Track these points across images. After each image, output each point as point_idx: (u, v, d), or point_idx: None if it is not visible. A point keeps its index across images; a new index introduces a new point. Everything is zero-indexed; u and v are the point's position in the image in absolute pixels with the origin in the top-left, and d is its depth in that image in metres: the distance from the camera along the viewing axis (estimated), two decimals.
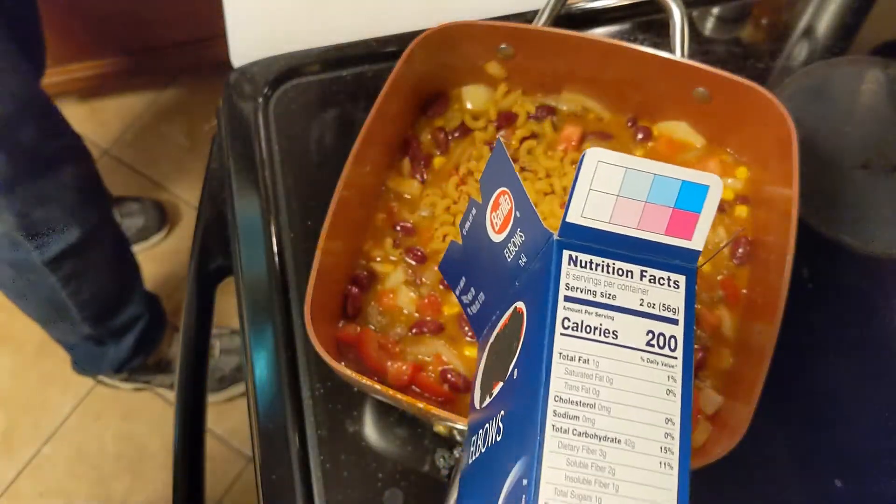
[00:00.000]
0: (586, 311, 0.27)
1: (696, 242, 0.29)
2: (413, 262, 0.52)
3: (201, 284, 0.63)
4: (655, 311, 0.28)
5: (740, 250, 0.53)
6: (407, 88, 0.56)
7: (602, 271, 0.28)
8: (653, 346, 0.27)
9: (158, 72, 1.56)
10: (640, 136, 0.58)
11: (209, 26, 1.07)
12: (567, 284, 0.28)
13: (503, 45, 0.57)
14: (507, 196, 0.33)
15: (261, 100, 0.63)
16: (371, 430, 0.50)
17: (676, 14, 0.55)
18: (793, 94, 0.64)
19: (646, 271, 0.28)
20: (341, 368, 0.44)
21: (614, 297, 0.28)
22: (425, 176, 0.56)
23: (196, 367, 0.60)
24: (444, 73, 0.58)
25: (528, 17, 0.64)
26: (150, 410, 1.30)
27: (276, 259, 0.56)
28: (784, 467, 0.48)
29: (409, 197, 0.55)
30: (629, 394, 0.26)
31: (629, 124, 0.59)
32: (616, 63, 0.56)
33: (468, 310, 0.38)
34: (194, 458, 0.57)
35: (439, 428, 0.44)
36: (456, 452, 0.48)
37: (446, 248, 0.43)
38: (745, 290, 0.51)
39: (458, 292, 0.39)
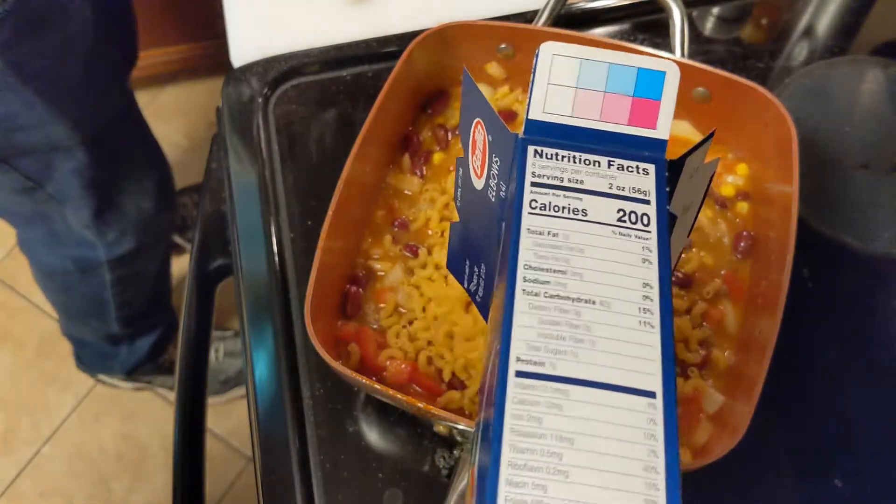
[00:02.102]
0: (553, 194, 0.27)
1: (661, 131, 0.28)
2: (411, 257, 0.52)
3: (201, 284, 0.63)
4: (625, 193, 0.27)
5: (742, 244, 0.53)
6: (407, 88, 0.56)
7: (568, 161, 0.28)
8: (624, 221, 0.27)
9: (158, 72, 1.56)
10: None
11: (209, 26, 1.07)
12: (533, 173, 0.28)
13: (503, 45, 0.57)
14: (480, 127, 0.33)
15: (261, 100, 0.63)
16: (371, 430, 0.50)
17: (676, 14, 0.55)
18: (793, 94, 0.64)
19: (613, 161, 0.28)
20: (341, 368, 0.44)
21: (582, 182, 0.27)
22: (425, 172, 0.56)
23: (196, 367, 0.60)
24: (444, 72, 0.58)
25: (528, 17, 0.64)
26: (150, 410, 1.30)
27: (276, 259, 0.56)
28: (784, 467, 0.48)
29: (408, 193, 0.55)
30: (602, 261, 0.26)
31: None
32: None
33: (476, 298, 0.38)
34: (194, 458, 0.57)
35: (439, 428, 0.44)
36: (456, 452, 0.48)
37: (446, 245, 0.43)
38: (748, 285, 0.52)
39: (465, 284, 0.38)
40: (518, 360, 0.23)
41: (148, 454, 1.26)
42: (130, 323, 1.14)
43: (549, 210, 0.27)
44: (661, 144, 0.28)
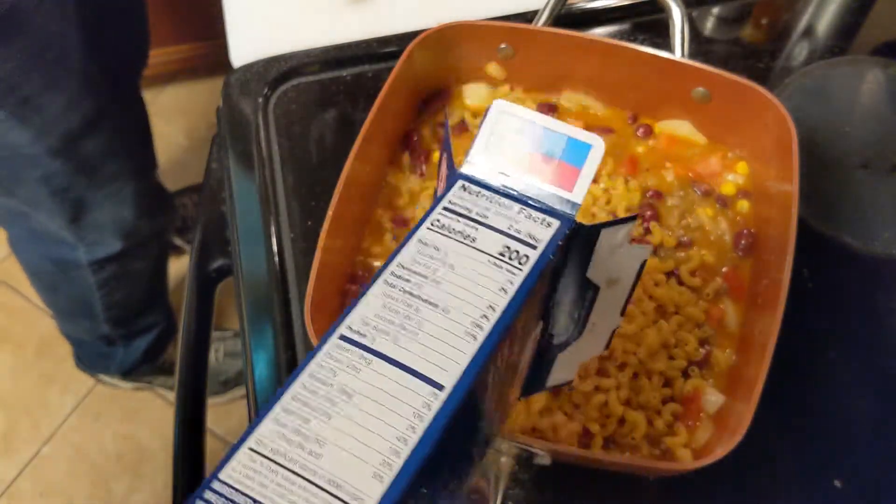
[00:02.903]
0: (456, 220, 0.30)
1: (576, 195, 0.31)
2: None
3: (201, 284, 0.63)
4: (519, 236, 0.30)
5: (743, 242, 0.53)
6: (407, 87, 0.56)
7: (486, 200, 0.31)
8: (503, 255, 0.29)
9: (158, 72, 1.56)
10: (640, 131, 0.58)
11: (209, 26, 1.07)
12: (450, 201, 0.31)
13: (503, 45, 0.57)
14: (444, 160, 0.35)
15: (261, 100, 0.63)
16: None
17: (676, 14, 0.55)
18: (793, 94, 0.64)
19: (524, 209, 0.31)
20: None
21: (486, 217, 0.30)
22: (425, 171, 0.56)
23: (196, 367, 0.60)
24: (444, 72, 0.59)
25: (528, 17, 0.64)
26: (150, 410, 1.30)
27: (276, 259, 0.56)
28: (784, 467, 0.48)
29: (408, 191, 0.55)
30: (465, 279, 0.28)
31: (629, 121, 0.59)
32: (616, 63, 0.56)
33: None
34: (194, 458, 0.57)
35: None
36: None
37: None
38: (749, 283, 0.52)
39: None
40: (348, 327, 0.27)
41: (148, 454, 1.26)
42: (122, 324, 1.13)
43: (445, 230, 0.30)
44: (573, 206, 0.31)
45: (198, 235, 0.65)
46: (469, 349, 0.26)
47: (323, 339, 0.27)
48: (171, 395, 1.07)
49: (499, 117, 0.32)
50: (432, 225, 0.30)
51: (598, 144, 0.31)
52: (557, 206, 0.31)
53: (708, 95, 0.54)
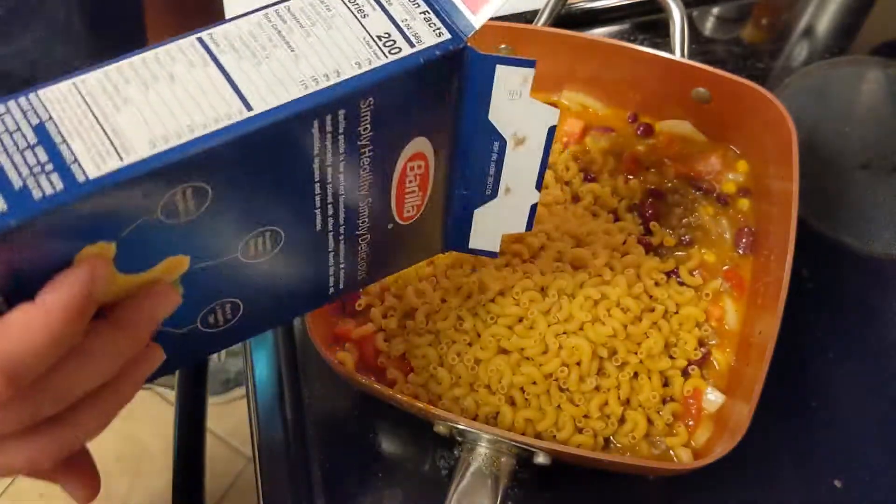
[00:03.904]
0: None
1: (478, 18, 0.32)
2: None
3: None
4: (405, 31, 0.31)
5: (744, 240, 0.53)
6: None
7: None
8: (380, 39, 0.31)
9: None
10: (640, 130, 0.58)
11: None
12: None
13: (503, 46, 0.57)
14: None
15: None
16: (371, 430, 0.50)
17: (676, 14, 0.56)
18: (793, 94, 0.64)
19: (428, 12, 0.32)
20: (341, 367, 0.44)
21: (391, 4, 0.31)
22: None
23: (196, 367, 0.60)
24: None
25: (527, 17, 0.64)
26: (150, 410, 1.30)
27: None
28: (784, 467, 0.48)
29: None
30: (333, 41, 0.30)
31: (630, 120, 0.59)
32: (616, 63, 0.56)
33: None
34: (194, 458, 0.57)
35: (439, 428, 0.44)
36: (456, 452, 0.48)
37: None
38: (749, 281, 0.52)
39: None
40: (209, 34, 0.29)
41: (148, 454, 1.26)
42: None
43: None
44: (469, 28, 0.32)
45: None
46: (294, 93, 0.28)
47: (183, 35, 0.29)
48: (171, 395, 1.07)
49: None
50: None
51: None
52: (456, 23, 0.32)
53: (708, 95, 0.54)
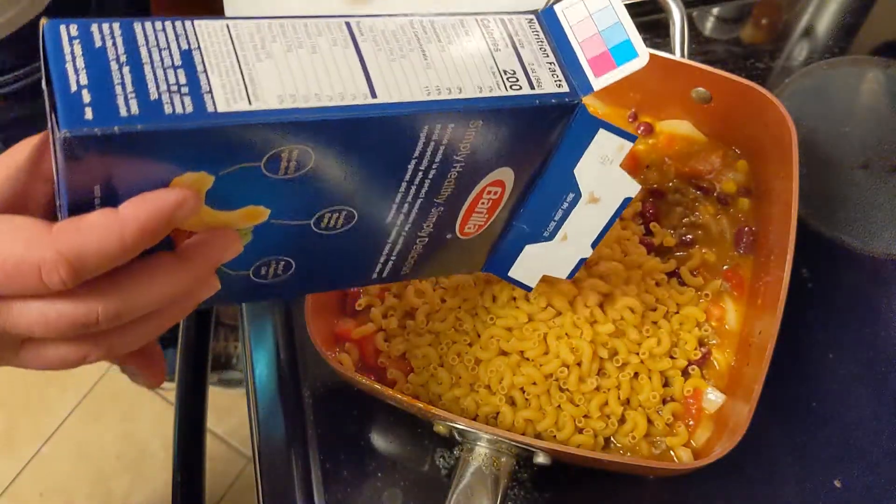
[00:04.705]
0: (510, 28, 0.34)
1: (598, 83, 0.34)
2: None
3: None
4: (530, 73, 0.33)
5: (744, 240, 0.53)
6: None
7: (538, 34, 0.34)
8: (506, 72, 0.33)
9: None
10: (640, 129, 0.58)
11: None
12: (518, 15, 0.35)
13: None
14: None
15: None
16: (371, 430, 0.50)
17: (676, 14, 0.55)
18: (793, 94, 0.64)
19: (553, 63, 0.34)
20: (341, 367, 0.44)
21: (523, 46, 0.34)
22: None
23: (196, 366, 0.60)
24: None
25: None
26: (150, 410, 1.30)
27: None
28: (784, 467, 0.48)
29: None
30: (471, 61, 0.32)
31: (630, 119, 0.59)
32: None
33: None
34: (194, 458, 0.57)
35: (439, 428, 0.44)
36: (456, 452, 0.48)
37: None
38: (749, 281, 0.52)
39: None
40: (358, 21, 0.31)
41: (148, 454, 1.26)
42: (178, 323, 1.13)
43: (496, 25, 0.34)
44: (588, 90, 0.34)
45: None
46: (417, 96, 0.30)
47: (334, 15, 0.31)
48: (171, 395, 1.07)
49: None
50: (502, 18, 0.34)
51: (643, 58, 0.34)
52: (576, 81, 0.34)
53: (708, 95, 0.54)
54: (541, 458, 0.43)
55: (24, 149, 0.29)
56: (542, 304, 0.48)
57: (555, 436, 0.46)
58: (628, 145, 0.36)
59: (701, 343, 0.49)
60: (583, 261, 0.41)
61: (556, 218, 0.39)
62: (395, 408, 0.48)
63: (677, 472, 0.45)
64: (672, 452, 0.47)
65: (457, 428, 0.43)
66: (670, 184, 0.56)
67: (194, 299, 0.31)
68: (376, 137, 0.30)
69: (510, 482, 0.43)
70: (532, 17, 0.35)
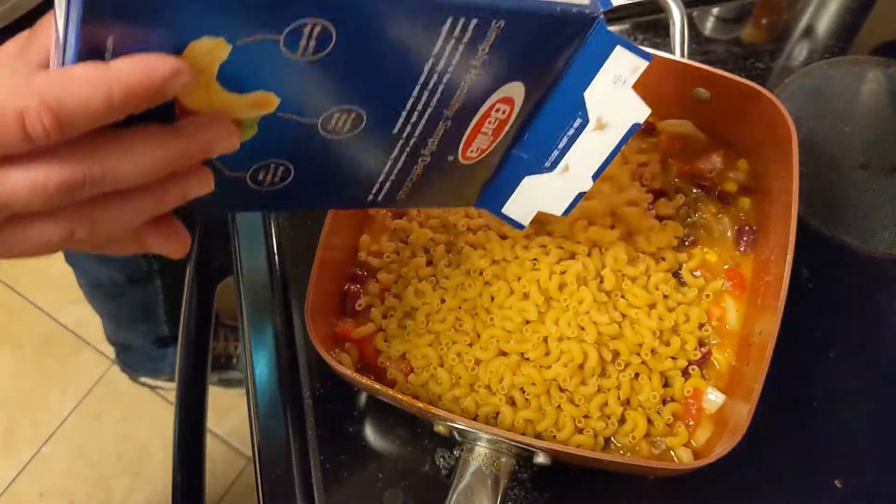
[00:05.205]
0: None
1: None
2: (411, 256, 0.52)
3: (201, 284, 0.63)
4: None
5: (745, 238, 0.53)
6: None
7: None
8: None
9: None
10: (641, 129, 0.58)
11: None
12: None
13: None
14: None
15: None
16: (371, 430, 0.50)
17: (676, 14, 0.55)
18: (793, 94, 0.64)
19: None
20: (341, 367, 0.44)
21: None
22: None
23: (196, 367, 0.60)
24: None
25: None
26: (150, 410, 1.30)
27: (276, 259, 0.56)
28: (784, 467, 0.48)
29: None
30: None
31: None
32: None
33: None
34: (194, 458, 0.57)
35: (439, 428, 0.44)
36: (456, 452, 0.48)
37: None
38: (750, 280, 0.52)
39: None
40: None
41: (148, 454, 1.26)
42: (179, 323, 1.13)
43: None
44: (608, 3, 0.34)
45: (197, 235, 0.65)
46: None
47: None
48: (171, 395, 1.07)
49: None
50: None
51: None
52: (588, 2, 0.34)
53: (708, 95, 0.54)
54: (541, 458, 0.43)
55: (14, 41, 0.28)
56: (534, 252, 0.49)
57: (555, 436, 0.46)
58: (644, 65, 0.35)
59: (701, 343, 0.49)
60: (581, 195, 0.40)
61: (560, 146, 0.38)
62: (395, 408, 0.48)
63: (677, 472, 0.45)
64: (672, 452, 0.47)
65: (457, 428, 0.43)
66: (673, 183, 0.56)
67: (185, 188, 0.30)
68: (398, 24, 0.29)
69: (510, 482, 0.43)
70: None
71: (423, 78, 0.32)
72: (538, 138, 0.38)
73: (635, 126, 0.37)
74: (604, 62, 0.35)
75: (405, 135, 0.35)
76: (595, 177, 0.39)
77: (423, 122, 0.35)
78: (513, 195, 0.41)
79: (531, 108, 0.37)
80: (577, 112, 0.37)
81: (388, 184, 0.38)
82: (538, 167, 0.39)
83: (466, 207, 0.43)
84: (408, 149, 0.36)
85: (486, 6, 0.30)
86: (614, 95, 0.36)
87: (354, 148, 0.34)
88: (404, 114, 0.34)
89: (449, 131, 0.36)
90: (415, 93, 0.33)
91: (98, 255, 0.97)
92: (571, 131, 0.37)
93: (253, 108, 0.30)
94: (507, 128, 0.37)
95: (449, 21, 0.30)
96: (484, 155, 0.38)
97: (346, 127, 0.33)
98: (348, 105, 0.32)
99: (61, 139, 0.25)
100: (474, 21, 0.31)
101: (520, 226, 0.42)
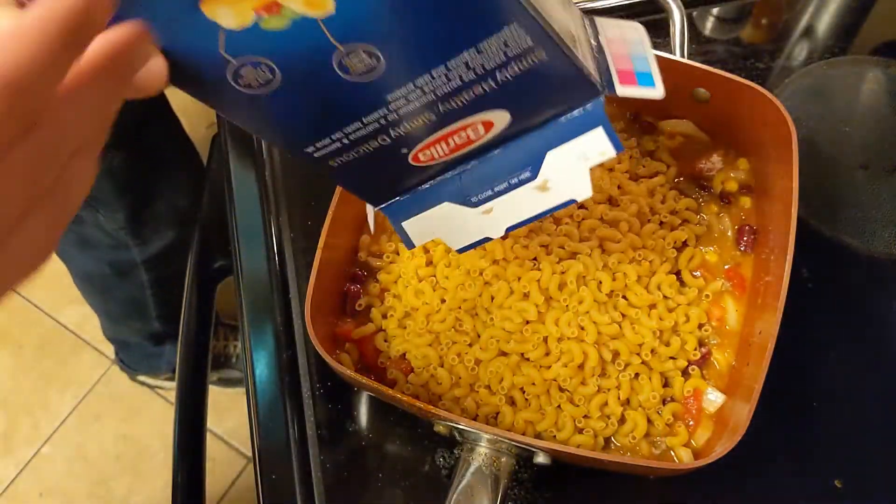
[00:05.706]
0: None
1: (621, 89, 0.35)
2: (410, 256, 0.52)
3: (201, 284, 0.63)
4: (581, 45, 0.34)
5: (745, 238, 0.53)
6: None
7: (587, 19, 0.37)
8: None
9: None
10: (642, 128, 0.58)
11: None
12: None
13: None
14: None
15: None
16: (371, 430, 0.50)
17: (676, 14, 0.55)
18: (793, 94, 0.64)
19: (594, 57, 0.35)
20: (341, 367, 0.44)
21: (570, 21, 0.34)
22: None
23: (196, 367, 0.60)
24: None
25: None
26: (150, 410, 1.30)
27: (276, 259, 0.56)
28: (784, 467, 0.48)
29: None
30: None
31: (631, 119, 0.59)
32: None
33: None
34: (194, 458, 0.57)
35: (439, 428, 0.44)
36: (456, 452, 0.48)
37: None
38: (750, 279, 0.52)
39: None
40: None
41: (148, 454, 1.26)
42: (172, 320, 1.13)
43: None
44: (611, 89, 0.35)
45: (197, 235, 0.65)
46: None
47: None
48: (171, 395, 1.07)
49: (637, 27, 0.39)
50: None
51: (660, 91, 0.36)
52: (604, 79, 0.35)
53: (708, 95, 0.54)
54: (541, 458, 0.43)
55: None
56: (534, 252, 0.49)
57: (555, 436, 0.46)
58: (611, 154, 0.35)
59: (701, 343, 0.49)
60: (485, 240, 0.40)
61: (497, 188, 0.38)
62: (395, 408, 0.48)
63: (677, 472, 0.45)
64: (672, 452, 0.47)
65: (457, 428, 0.43)
66: (675, 182, 0.56)
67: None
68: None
69: (510, 482, 0.43)
70: (582, 13, 0.36)
71: (454, 61, 0.31)
72: (482, 172, 0.38)
73: (572, 202, 0.37)
74: (580, 135, 0.35)
75: (394, 106, 0.33)
76: (509, 230, 0.39)
77: (414, 103, 0.33)
78: (423, 213, 0.40)
79: (497, 142, 0.37)
80: (530, 166, 0.37)
81: (339, 143, 0.35)
82: (465, 199, 0.39)
83: (368, 203, 0.42)
84: (382, 122, 0.34)
85: (542, 31, 0.30)
86: (571, 167, 0.36)
87: (341, 94, 0.32)
88: (409, 84, 0.32)
89: (425, 126, 0.35)
90: (436, 71, 0.32)
91: (83, 245, 0.96)
92: (515, 180, 0.37)
93: (308, 5, 0.28)
94: (468, 149, 0.37)
95: (510, 27, 0.30)
96: (430, 163, 0.38)
97: (358, 68, 0.31)
98: (372, 45, 0.30)
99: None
100: (526, 39, 0.30)
101: (410, 244, 0.41)
